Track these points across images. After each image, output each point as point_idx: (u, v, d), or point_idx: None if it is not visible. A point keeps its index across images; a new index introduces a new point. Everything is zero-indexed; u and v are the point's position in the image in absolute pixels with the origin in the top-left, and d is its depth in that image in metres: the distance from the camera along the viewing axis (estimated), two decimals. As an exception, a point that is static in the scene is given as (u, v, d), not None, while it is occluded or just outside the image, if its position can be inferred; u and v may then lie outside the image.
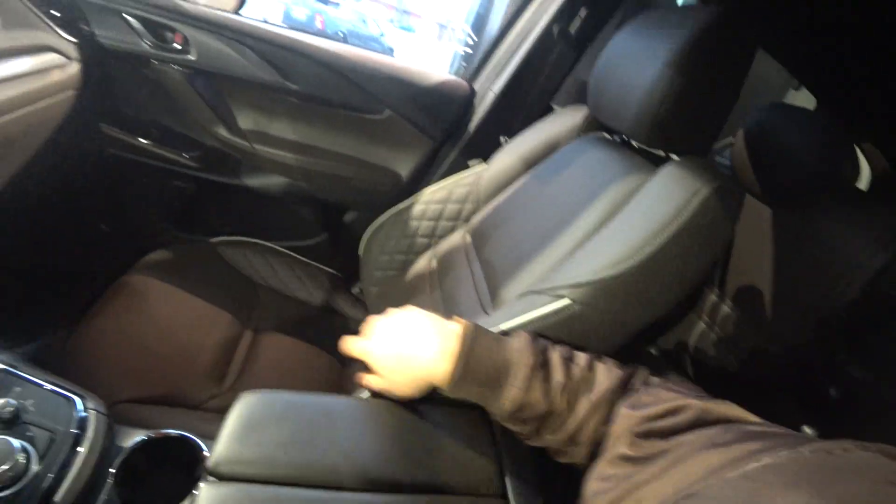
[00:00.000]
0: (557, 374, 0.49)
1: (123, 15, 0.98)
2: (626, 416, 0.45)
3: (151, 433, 0.63)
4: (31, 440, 0.53)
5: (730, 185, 0.60)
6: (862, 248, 0.97)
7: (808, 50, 1.29)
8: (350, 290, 1.23)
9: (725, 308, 1.26)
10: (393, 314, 0.57)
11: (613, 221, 0.64)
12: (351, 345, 0.57)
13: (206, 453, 0.60)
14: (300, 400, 0.57)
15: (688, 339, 1.36)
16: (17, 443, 0.51)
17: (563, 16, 1.12)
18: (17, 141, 0.90)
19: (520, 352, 0.50)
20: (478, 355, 0.50)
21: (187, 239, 1.24)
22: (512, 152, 1.00)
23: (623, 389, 0.49)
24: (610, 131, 0.91)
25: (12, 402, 0.54)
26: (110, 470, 0.57)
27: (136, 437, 0.63)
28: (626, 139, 0.87)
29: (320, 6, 11.89)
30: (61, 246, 1.24)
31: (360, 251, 1.10)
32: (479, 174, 1.02)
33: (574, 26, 1.13)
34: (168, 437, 0.64)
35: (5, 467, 0.49)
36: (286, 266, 1.18)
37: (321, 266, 1.23)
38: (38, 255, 1.20)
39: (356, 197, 1.25)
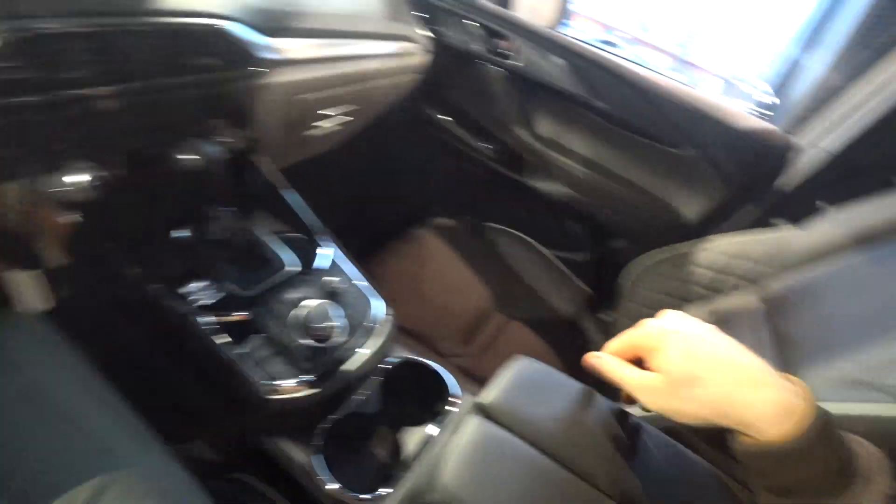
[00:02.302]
0: None
1: (464, 21, 1.15)
2: None
3: (417, 357, 0.75)
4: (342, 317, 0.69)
5: None
6: None
7: None
8: (598, 316, 1.23)
9: None
10: (695, 322, 0.42)
11: None
12: (622, 344, 0.44)
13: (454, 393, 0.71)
14: (569, 383, 0.58)
15: None
16: (334, 312, 0.67)
17: None
18: (373, 102, 1.15)
19: (871, 453, 0.37)
20: (831, 432, 0.36)
21: (468, 216, 1.41)
22: (839, 223, 0.87)
23: None
24: None
25: (339, 281, 0.72)
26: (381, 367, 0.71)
27: (402, 354, 0.76)
28: None
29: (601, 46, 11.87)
30: (373, 188, 1.49)
31: (625, 281, 1.08)
32: (785, 238, 0.92)
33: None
34: (427, 367, 0.75)
35: (324, 325, 0.65)
36: (547, 269, 1.25)
37: (579, 282, 1.26)
38: (355, 190, 1.45)
39: (632, 225, 1.23)
